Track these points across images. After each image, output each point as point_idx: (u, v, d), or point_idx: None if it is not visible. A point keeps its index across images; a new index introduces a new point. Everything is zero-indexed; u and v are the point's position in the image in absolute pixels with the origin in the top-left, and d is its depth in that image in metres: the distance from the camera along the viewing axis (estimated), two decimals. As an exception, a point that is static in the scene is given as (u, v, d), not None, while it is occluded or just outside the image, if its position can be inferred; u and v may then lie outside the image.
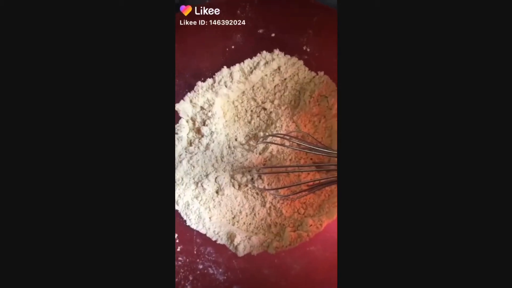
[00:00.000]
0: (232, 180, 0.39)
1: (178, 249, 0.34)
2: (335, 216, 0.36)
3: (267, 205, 0.38)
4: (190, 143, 0.40)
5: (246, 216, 0.38)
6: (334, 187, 0.38)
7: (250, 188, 0.38)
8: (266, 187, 0.38)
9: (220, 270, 0.33)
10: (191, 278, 0.32)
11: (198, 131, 0.40)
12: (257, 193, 0.38)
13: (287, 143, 0.38)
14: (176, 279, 0.32)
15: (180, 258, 0.33)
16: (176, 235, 0.35)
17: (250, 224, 0.38)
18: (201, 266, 0.33)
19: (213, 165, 0.39)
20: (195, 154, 0.39)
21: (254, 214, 0.38)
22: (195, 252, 0.34)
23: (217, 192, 0.39)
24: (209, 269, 0.33)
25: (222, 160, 0.39)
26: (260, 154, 0.39)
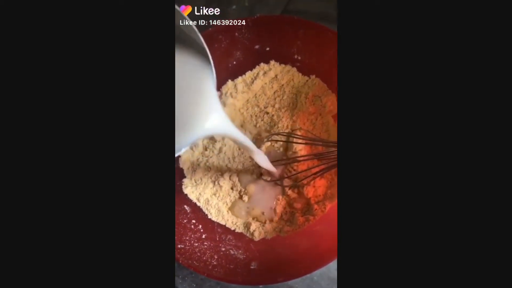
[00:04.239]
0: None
1: (203, 236, 0.40)
2: (335, 200, 0.41)
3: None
4: (206, 148, 0.46)
5: (259, 207, 0.44)
6: (333, 176, 0.43)
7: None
8: (273, 179, 0.43)
9: (240, 251, 0.39)
10: (216, 257, 0.38)
11: (211, 137, 0.46)
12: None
13: (289, 139, 0.44)
14: (204, 258, 0.37)
15: (205, 243, 0.39)
16: (200, 226, 0.41)
17: (263, 214, 0.43)
18: (223, 249, 0.39)
19: (226, 165, 0.45)
20: (211, 157, 0.45)
21: (266, 205, 0.44)
22: (217, 239, 0.40)
23: (232, 188, 0.44)
24: (230, 251, 0.39)
25: (234, 161, 0.45)
26: (266, 152, 0.44)
